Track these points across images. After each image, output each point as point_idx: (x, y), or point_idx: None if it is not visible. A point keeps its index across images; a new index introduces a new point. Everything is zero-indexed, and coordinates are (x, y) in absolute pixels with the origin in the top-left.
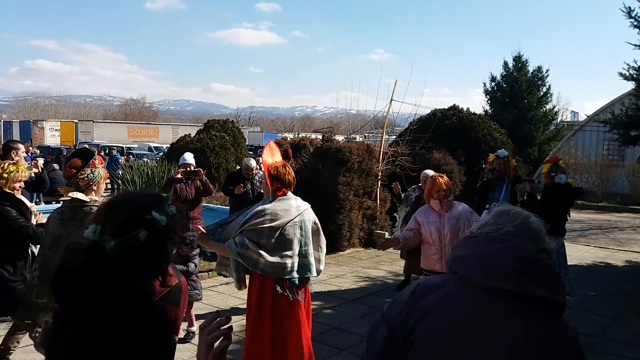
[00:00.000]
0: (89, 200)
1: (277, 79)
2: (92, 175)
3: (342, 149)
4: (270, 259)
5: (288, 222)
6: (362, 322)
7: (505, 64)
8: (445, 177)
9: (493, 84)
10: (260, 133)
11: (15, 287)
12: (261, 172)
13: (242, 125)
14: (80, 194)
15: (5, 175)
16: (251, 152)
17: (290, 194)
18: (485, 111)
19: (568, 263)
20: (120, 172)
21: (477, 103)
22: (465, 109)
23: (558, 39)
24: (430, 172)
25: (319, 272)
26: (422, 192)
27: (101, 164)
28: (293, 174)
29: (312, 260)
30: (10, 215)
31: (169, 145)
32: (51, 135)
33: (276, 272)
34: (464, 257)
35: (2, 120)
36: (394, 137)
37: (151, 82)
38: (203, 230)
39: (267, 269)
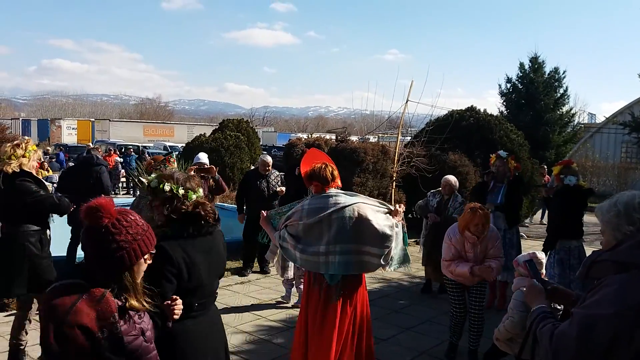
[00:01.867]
0: None
1: (291, 79)
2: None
3: (357, 150)
4: (307, 250)
5: (323, 219)
6: (376, 324)
7: (521, 65)
8: (485, 210)
9: (509, 85)
10: (274, 133)
11: (44, 263)
12: (276, 172)
13: (256, 125)
14: None
15: (27, 154)
16: (265, 152)
17: (332, 190)
18: (501, 112)
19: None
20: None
21: (491, 104)
22: (482, 110)
23: (575, 40)
24: (451, 178)
25: (376, 266)
26: (442, 197)
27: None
28: (332, 170)
29: (347, 258)
30: (31, 189)
31: (184, 145)
32: (68, 134)
33: (311, 267)
34: None
35: (20, 119)
36: (409, 137)
37: (166, 82)
38: (264, 214)
39: (304, 263)
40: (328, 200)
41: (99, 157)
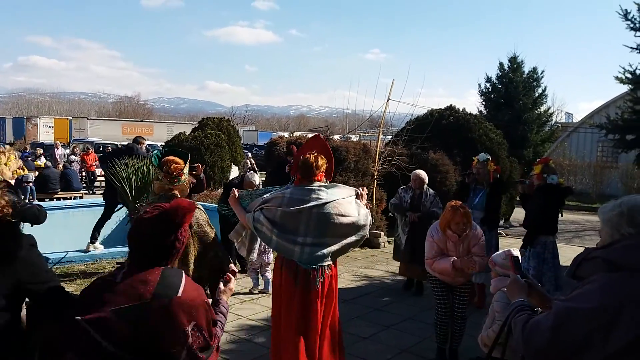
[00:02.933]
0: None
1: (273, 78)
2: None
3: (339, 148)
4: (282, 237)
5: (302, 211)
6: (357, 322)
7: (501, 64)
8: (467, 208)
9: (488, 84)
10: (255, 132)
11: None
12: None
13: (237, 124)
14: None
15: (8, 163)
16: (246, 151)
17: (316, 183)
18: (480, 112)
19: (561, 264)
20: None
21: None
22: (461, 109)
23: (553, 39)
24: (420, 172)
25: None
26: (414, 193)
27: (95, 161)
28: (317, 163)
29: (324, 251)
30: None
31: (163, 143)
32: (45, 132)
33: (285, 252)
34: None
35: None
36: (390, 136)
37: (146, 80)
38: (236, 193)
39: (279, 247)
40: (310, 193)
41: (140, 149)
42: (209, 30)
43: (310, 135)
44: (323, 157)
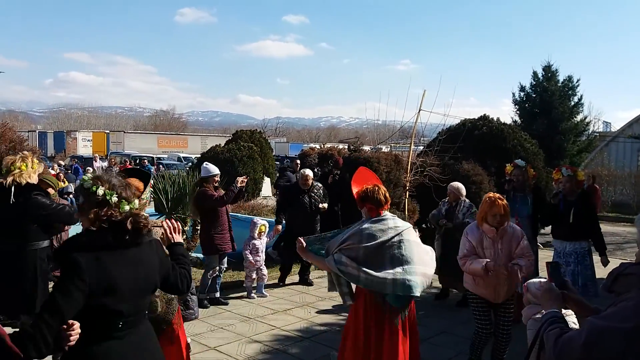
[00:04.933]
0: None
1: (303, 90)
2: (147, 195)
3: (370, 159)
4: (371, 272)
5: (385, 243)
6: None
7: (535, 73)
8: (504, 200)
9: (522, 94)
10: (286, 143)
11: (43, 269)
12: (319, 185)
13: (268, 136)
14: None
15: (34, 167)
16: (278, 162)
17: (387, 213)
18: (515, 121)
19: (601, 276)
20: (152, 181)
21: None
22: (495, 119)
23: (589, 48)
24: (455, 185)
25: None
26: (450, 206)
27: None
28: (385, 193)
29: (414, 279)
30: (46, 203)
31: (198, 156)
32: (84, 146)
33: (376, 287)
34: None
35: (37, 131)
36: (422, 147)
37: (180, 94)
38: (303, 242)
39: (369, 284)
40: (387, 223)
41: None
42: (241, 45)
43: (340, 146)
44: (385, 189)
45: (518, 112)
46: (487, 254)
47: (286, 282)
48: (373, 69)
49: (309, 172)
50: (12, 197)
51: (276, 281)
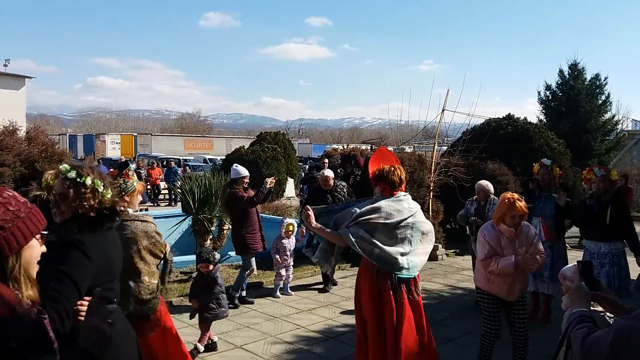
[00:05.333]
0: (129, 212)
1: (326, 92)
2: (124, 186)
3: None
4: (386, 249)
5: (401, 222)
6: None
7: (561, 71)
8: (523, 201)
9: (548, 92)
10: (309, 145)
11: None
12: (342, 183)
13: (292, 137)
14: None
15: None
16: (301, 163)
17: (401, 194)
18: (540, 120)
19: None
20: (179, 182)
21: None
22: (522, 118)
23: (617, 46)
24: (484, 183)
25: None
26: (479, 205)
27: (160, 175)
28: (401, 174)
29: (418, 260)
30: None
31: (223, 157)
32: (112, 148)
33: (388, 265)
34: None
35: (67, 134)
36: (446, 147)
37: (206, 97)
38: (311, 212)
39: (381, 261)
40: (403, 204)
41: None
42: (264, 48)
43: (363, 147)
44: (403, 169)
45: (544, 111)
46: (506, 254)
47: (311, 282)
48: (395, 69)
49: (329, 173)
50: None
51: (303, 282)
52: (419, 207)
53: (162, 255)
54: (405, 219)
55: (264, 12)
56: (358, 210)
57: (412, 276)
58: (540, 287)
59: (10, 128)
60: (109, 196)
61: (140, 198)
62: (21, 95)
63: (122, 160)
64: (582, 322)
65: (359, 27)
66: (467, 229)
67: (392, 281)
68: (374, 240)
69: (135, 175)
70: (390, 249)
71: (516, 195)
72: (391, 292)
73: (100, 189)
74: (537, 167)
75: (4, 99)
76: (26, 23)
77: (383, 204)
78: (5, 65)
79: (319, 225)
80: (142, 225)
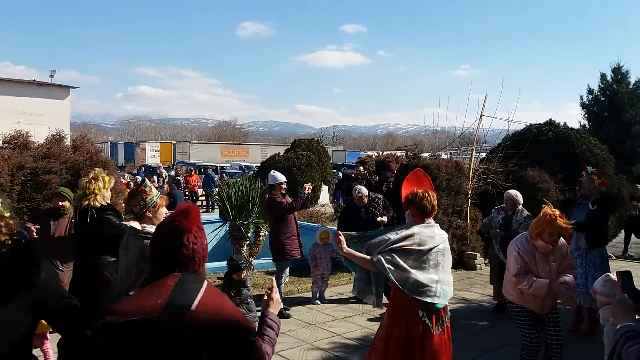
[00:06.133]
0: (140, 228)
1: (360, 98)
2: (143, 202)
3: (430, 166)
4: (420, 276)
5: (433, 249)
6: (453, 346)
7: (603, 75)
8: (564, 218)
9: (590, 97)
10: (343, 151)
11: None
12: (379, 197)
13: (326, 144)
14: (134, 222)
15: (106, 186)
16: (335, 170)
17: (432, 221)
18: (583, 126)
19: None
20: (216, 189)
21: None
22: (563, 124)
23: None
24: (513, 193)
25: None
26: (507, 214)
27: (197, 182)
28: (433, 201)
29: (449, 288)
30: (115, 223)
31: (259, 164)
32: (152, 156)
33: (422, 293)
34: None
35: (109, 142)
36: (484, 154)
37: (242, 105)
38: (342, 238)
39: (415, 289)
40: (434, 230)
41: None
42: (299, 55)
43: (398, 153)
44: (435, 196)
45: (586, 115)
46: (541, 269)
47: (347, 290)
48: (431, 75)
49: (364, 192)
50: (88, 219)
51: (339, 289)
52: (447, 235)
53: None
54: (437, 245)
55: (299, 21)
56: (391, 237)
57: (444, 305)
58: (582, 302)
59: (57, 136)
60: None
61: (165, 212)
62: (66, 105)
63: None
64: (632, 337)
65: (394, 33)
66: (494, 241)
67: (424, 310)
68: (408, 267)
69: (154, 190)
70: (424, 277)
71: (557, 212)
72: (421, 321)
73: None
74: (584, 174)
75: (50, 109)
76: (70, 35)
77: (416, 230)
78: (51, 76)
79: (350, 250)
80: None
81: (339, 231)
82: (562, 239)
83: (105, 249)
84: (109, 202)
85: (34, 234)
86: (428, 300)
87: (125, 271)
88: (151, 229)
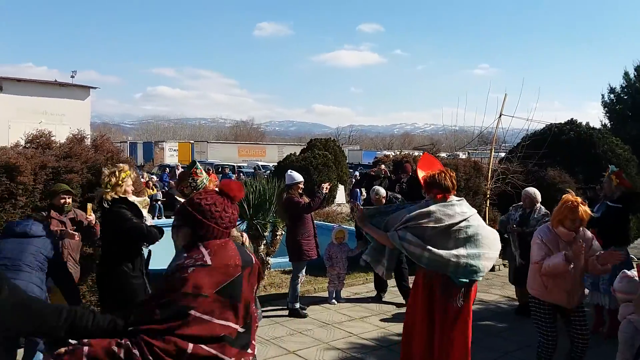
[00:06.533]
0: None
1: (377, 98)
2: (194, 184)
3: (448, 166)
4: (436, 251)
5: (452, 226)
6: (472, 348)
7: (626, 74)
8: (586, 205)
9: (612, 95)
10: (359, 151)
11: (135, 282)
12: (398, 196)
13: (342, 144)
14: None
15: (121, 182)
16: (351, 170)
17: (454, 198)
18: (604, 125)
19: None
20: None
21: (593, 117)
22: (584, 123)
23: None
24: (531, 190)
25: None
26: (524, 211)
27: (215, 181)
28: (452, 178)
29: (477, 264)
30: (126, 216)
31: (275, 164)
32: (170, 155)
33: (439, 267)
34: None
35: (128, 142)
36: (503, 154)
37: (259, 105)
38: (363, 211)
39: (431, 263)
40: (455, 208)
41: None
42: (316, 55)
43: (416, 153)
44: (453, 174)
45: (608, 115)
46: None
47: (363, 290)
48: (449, 74)
49: (381, 192)
50: (105, 207)
51: (355, 289)
52: (475, 212)
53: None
54: (457, 222)
55: (317, 21)
56: (408, 215)
57: (468, 280)
58: (595, 299)
59: (79, 136)
60: None
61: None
62: (86, 105)
63: (190, 162)
64: None
65: (411, 32)
66: (511, 239)
67: (444, 285)
68: (422, 243)
69: (204, 172)
70: (442, 252)
71: (579, 199)
72: (443, 297)
73: None
74: (606, 174)
75: (71, 109)
76: (90, 36)
77: (433, 208)
78: (72, 77)
79: (370, 225)
80: None
81: (360, 207)
82: (587, 231)
83: (123, 243)
84: (122, 195)
85: (77, 237)
86: (450, 275)
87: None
88: None
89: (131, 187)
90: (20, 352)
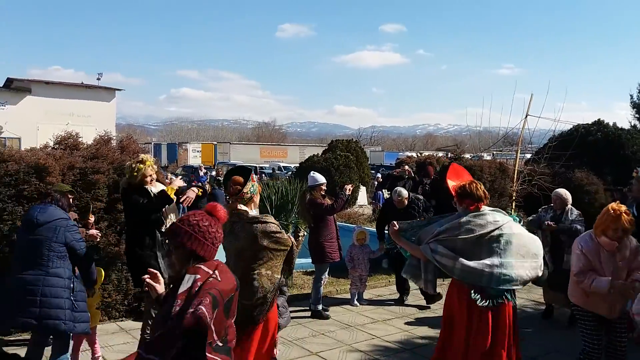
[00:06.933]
0: (250, 214)
1: (399, 98)
2: (253, 189)
3: (472, 167)
4: (467, 263)
5: (485, 236)
6: None
7: None
8: (630, 215)
9: None
10: (381, 152)
11: (145, 259)
12: (419, 197)
13: (364, 145)
14: (244, 207)
15: (135, 173)
16: (373, 171)
17: (486, 208)
18: (633, 126)
19: None
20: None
21: (621, 117)
22: (612, 123)
23: None
24: (562, 192)
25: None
26: (554, 214)
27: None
28: (482, 187)
29: (510, 273)
30: (138, 200)
31: (297, 165)
32: (193, 156)
33: (472, 279)
34: None
35: (152, 143)
36: (529, 155)
37: (281, 106)
38: (397, 226)
39: (463, 275)
40: (487, 217)
41: None
42: (338, 56)
43: (440, 154)
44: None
45: (637, 115)
46: (606, 269)
47: (385, 292)
48: (473, 74)
49: (404, 194)
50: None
51: (378, 291)
52: (510, 219)
53: (289, 249)
54: (490, 232)
55: (338, 22)
56: (439, 228)
57: (505, 290)
58: (636, 307)
59: (105, 137)
60: None
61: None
62: (112, 107)
63: (239, 166)
64: None
65: (434, 32)
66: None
67: (479, 294)
68: (454, 255)
69: (255, 177)
70: (474, 263)
71: (623, 208)
72: (478, 306)
73: None
74: (634, 175)
75: (97, 110)
76: (116, 38)
77: (464, 219)
78: (98, 79)
79: (404, 240)
80: (262, 226)
81: (394, 222)
82: (633, 240)
83: (145, 236)
84: (137, 184)
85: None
86: (481, 285)
87: (237, 255)
88: (253, 213)
89: (152, 177)
90: (48, 349)
